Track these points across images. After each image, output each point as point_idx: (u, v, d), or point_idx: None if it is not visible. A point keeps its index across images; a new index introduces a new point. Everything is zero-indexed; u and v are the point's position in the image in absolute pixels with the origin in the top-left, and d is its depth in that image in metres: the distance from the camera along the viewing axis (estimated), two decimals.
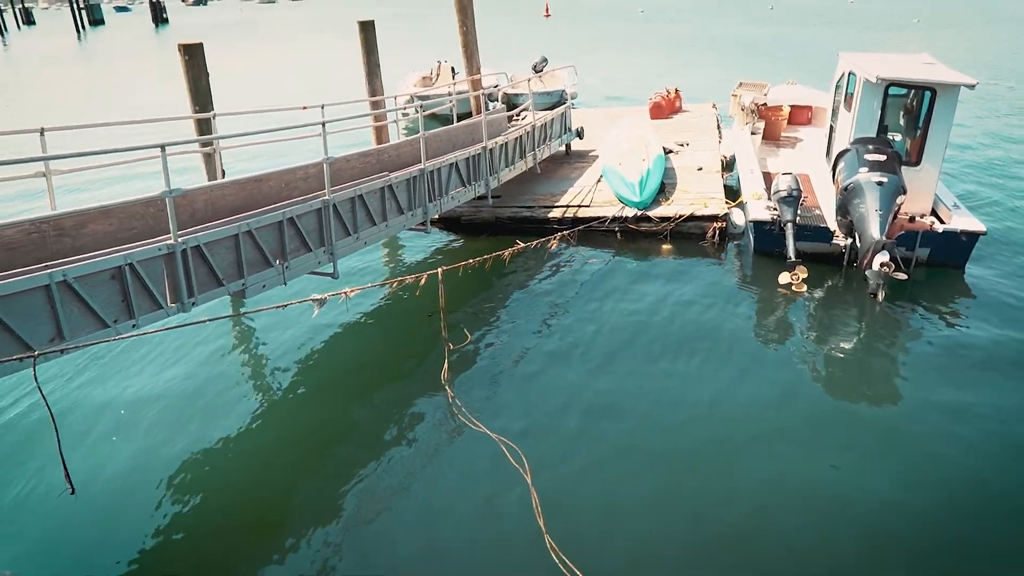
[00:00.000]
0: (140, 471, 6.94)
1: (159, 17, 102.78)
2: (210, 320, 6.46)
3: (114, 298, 6.27)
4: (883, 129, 10.78)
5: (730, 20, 69.31)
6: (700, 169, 14.39)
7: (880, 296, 9.03)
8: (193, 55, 11.38)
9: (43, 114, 28.50)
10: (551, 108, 17.90)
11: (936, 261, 10.44)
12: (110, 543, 6.07)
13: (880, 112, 10.64)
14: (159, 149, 6.49)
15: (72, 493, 5.12)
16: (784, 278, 10.10)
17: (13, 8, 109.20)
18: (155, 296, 6.57)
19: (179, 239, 6.65)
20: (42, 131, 7.72)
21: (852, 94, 11.21)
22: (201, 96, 11.50)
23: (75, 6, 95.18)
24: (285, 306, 6.81)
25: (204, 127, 11.18)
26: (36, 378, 5.07)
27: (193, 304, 6.93)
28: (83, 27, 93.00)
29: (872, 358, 8.63)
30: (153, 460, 7.11)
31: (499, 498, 6.34)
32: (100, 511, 6.40)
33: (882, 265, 8.97)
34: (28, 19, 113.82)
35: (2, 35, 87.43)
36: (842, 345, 8.92)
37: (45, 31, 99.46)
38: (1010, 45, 44.26)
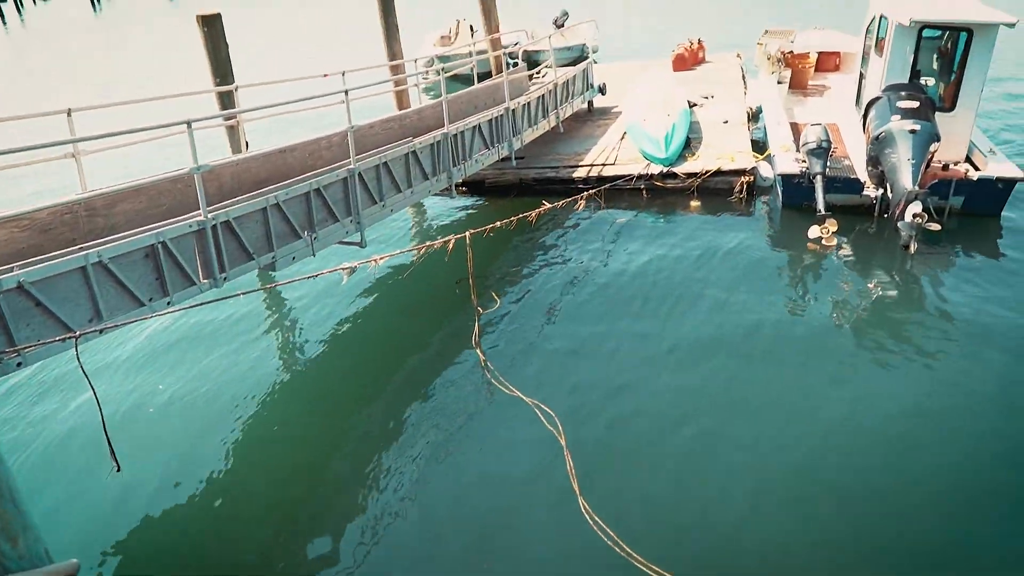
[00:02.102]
0: (180, 447, 7.13)
1: None
2: (242, 294, 6.53)
3: (148, 276, 6.37)
4: (916, 74, 10.47)
5: None
6: (726, 122, 14.14)
7: (912, 248, 8.87)
8: (212, 26, 11.30)
9: (62, 91, 28.66)
10: (572, 64, 17.64)
11: (971, 210, 10.21)
12: (157, 519, 6.27)
13: (913, 56, 10.32)
14: (185, 125, 6.52)
15: (118, 471, 5.26)
16: (814, 231, 9.95)
17: None
18: (188, 272, 6.66)
19: (208, 215, 6.71)
20: (69, 112, 7.77)
21: (883, 38, 10.88)
22: (221, 67, 11.44)
23: None
24: (315, 276, 6.86)
25: (226, 99, 11.17)
26: (79, 358, 5.18)
27: (225, 279, 7.01)
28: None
29: (903, 312, 8.50)
30: (191, 435, 7.29)
31: (533, 461, 6.42)
32: (146, 487, 6.59)
33: (915, 216, 8.77)
34: None
35: (19, 11, 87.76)
36: (873, 299, 8.80)
37: (60, 5, 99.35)
38: None
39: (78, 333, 5.53)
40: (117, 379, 8.36)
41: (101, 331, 6.02)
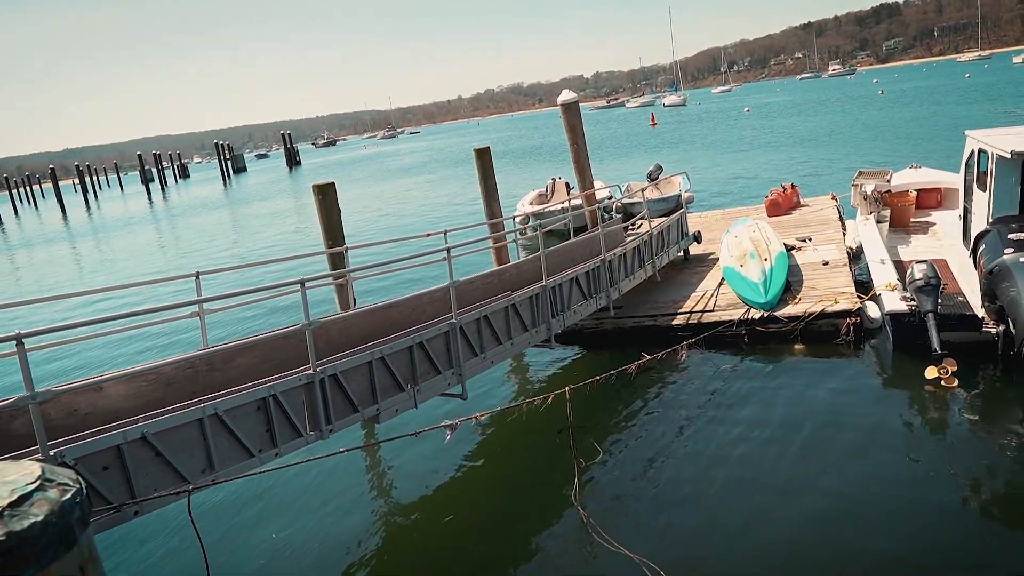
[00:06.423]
0: None
1: (293, 160, 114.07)
2: (347, 450, 6.68)
3: (258, 428, 6.62)
4: None
5: (838, 110, 68.32)
6: (826, 263, 13.91)
7: None
8: (326, 194, 12.32)
9: (199, 256, 31.28)
10: (667, 214, 17.99)
11: None
12: None
13: (1020, 188, 10.04)
14: (299, 285, 7.00)
15: None
16: (931, 372, 9.39)
17: (172, 166, 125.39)
18: (295, 424, 6.89)
19: (317, 369, 7.01)
20: (197, 275, 8.49)
21: (985, 172, 10.67)
22: (333, 230, 12.34)
23: (222, 158, 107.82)
24: (418, 433, 6.97)
25: (336, 259, 11.93)
26: (190, 511, 5.36)
27: (331, 431, 7.20)
28: (229, 175, 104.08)
29: None
30: None
31: None
32: None
33: None
34: (184, 174, 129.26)
35: (163, 189, 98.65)
36: (1010, 443, 8.10)
37: (198, 182, 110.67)
38: None
39: (191, 487, 5.76)
40: (225, 526, 8.51)
41: (213, 482, 6.24)
